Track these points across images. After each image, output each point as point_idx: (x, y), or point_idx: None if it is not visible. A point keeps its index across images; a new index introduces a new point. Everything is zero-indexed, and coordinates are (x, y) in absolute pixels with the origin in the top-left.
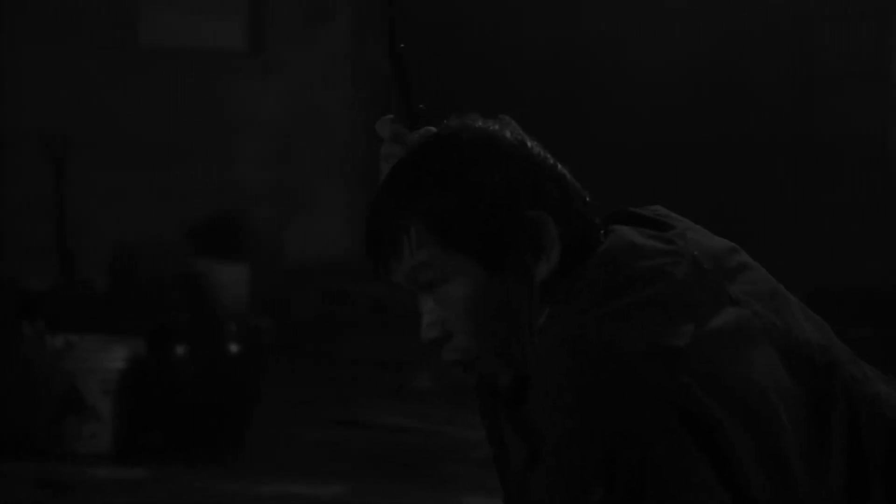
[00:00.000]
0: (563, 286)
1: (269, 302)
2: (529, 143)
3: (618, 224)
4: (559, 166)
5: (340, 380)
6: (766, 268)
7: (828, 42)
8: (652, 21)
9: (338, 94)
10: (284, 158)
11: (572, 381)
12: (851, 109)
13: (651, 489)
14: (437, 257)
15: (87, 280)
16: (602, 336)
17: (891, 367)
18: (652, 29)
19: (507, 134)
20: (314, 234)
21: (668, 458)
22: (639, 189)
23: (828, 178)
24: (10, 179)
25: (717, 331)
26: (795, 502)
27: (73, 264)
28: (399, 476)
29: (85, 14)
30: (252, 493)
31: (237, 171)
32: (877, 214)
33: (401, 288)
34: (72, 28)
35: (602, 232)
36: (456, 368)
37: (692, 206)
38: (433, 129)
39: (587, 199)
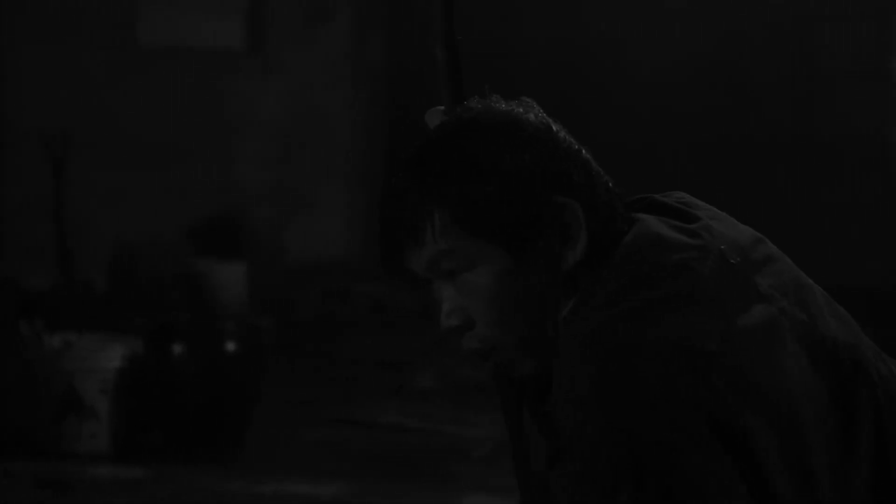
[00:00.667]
0: (588, 277)
1: (269, 301)
2: (555, 128)
3: (641, 212)
4: (584, 151)
5: (341, 379)
6: None
7: (828, 42)
8: (652, 21)
9: (338, 94)
10: (284, 158)
11: (599, 380)
12: (852, 109)
13: (678, 494)
14: (461, 244)
15: (86, 280)
16: (629, 334)
17: None
18: (652, 29)
19: (532, 117)
20: (314, 233)
21: (696, 462)
22: (638, 189)
23: (828, 178)
24: (10, 179)
25: (745, 330)
26: None
27: (72, 264)
28: (400, 475)
29: (84, 14)
30: (252, 493)
31: (237, 170)
32: (877, 214)
33: (413, 277)
34: (71, 27)
35: (627, 221)
36: (471, 360)
37: None
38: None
39: (611, 185)
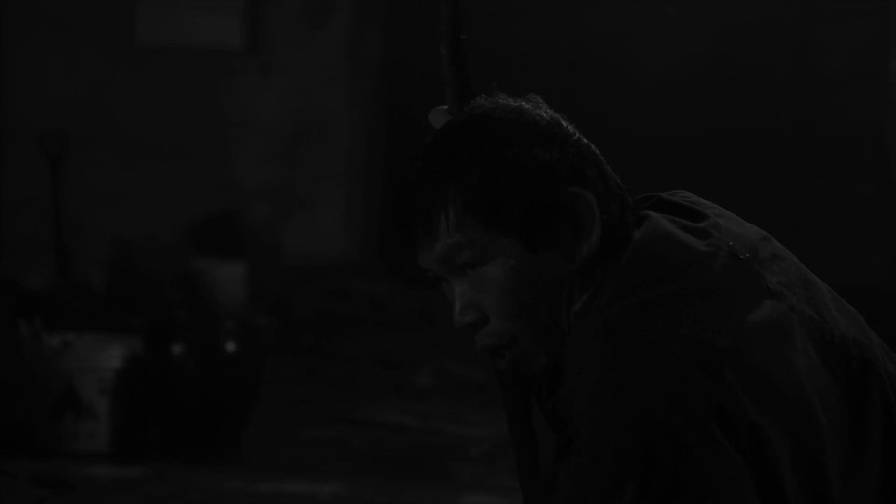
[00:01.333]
0: (600, 272)
1: (268, 300)
2: (564, 123)
3: (649, 210)
4: (593, 147)
5: (339, 378)
6: None
7: (827, 40)
8: (651, 19)
9: (337, 93)
10: (283, 157)
11: (609, 374)
12: (851, 108)
13: (686, 490)
14: (476, 238)
15: (84, 279)
16: (642, 329)
17: None
18: (651, 27)
19: (542, 113)
20: (313, 232)
21: (705, 459)
22: (638, 187)
23: (828, 178)
24: (8, 178)
25: (756, 326)
26: None
27: (69, 262)
28: (399, 474)
29: (82, 12)
30: (250, 491)
31: (236, 169)
32: (877, 214)
33: (421, 272)
34: (69, 26)
35: (636, 217)
36: (485, 357)
37: None
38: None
39: (619, 182)
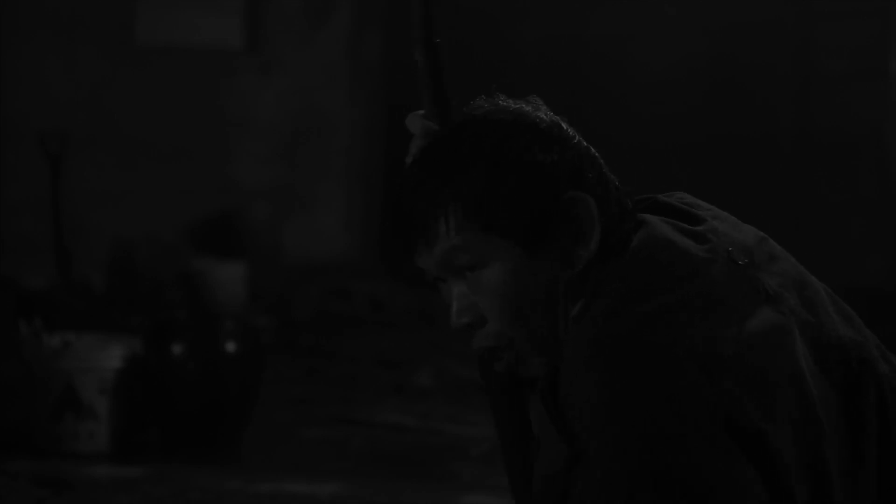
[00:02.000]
0: (596, 276)
1: (268, 300)
2: (564, 125)
3: (645, 213)
4: (592, 149)
5: (339, 378)
6: None
7: (827, 40)
8: (650, 19)
9: (336, 93)
10: (283, 156)
11: (612, 385)
12: (851, 108)
13: (697, 499)
14: (475, 240)
15: (84, 279)
16: (643, 340)
17: None
18: (650, 27)
19: (542, 115)
20: (313, 232)
21: (716, 467)
22: (638, 189)
23: (828, 178)
24: (8, 178)
25: (757, 333)
26: None
27: (69, 262)
28: (399, 474)
29: (82, 12)
30: (250, 491)
31: (236, 169)
32: (877, 214)
33: (419, 273)
34: (69, 26)
35: (633, 221)
36: (480, 358)
37: None
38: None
39: (618, 184)
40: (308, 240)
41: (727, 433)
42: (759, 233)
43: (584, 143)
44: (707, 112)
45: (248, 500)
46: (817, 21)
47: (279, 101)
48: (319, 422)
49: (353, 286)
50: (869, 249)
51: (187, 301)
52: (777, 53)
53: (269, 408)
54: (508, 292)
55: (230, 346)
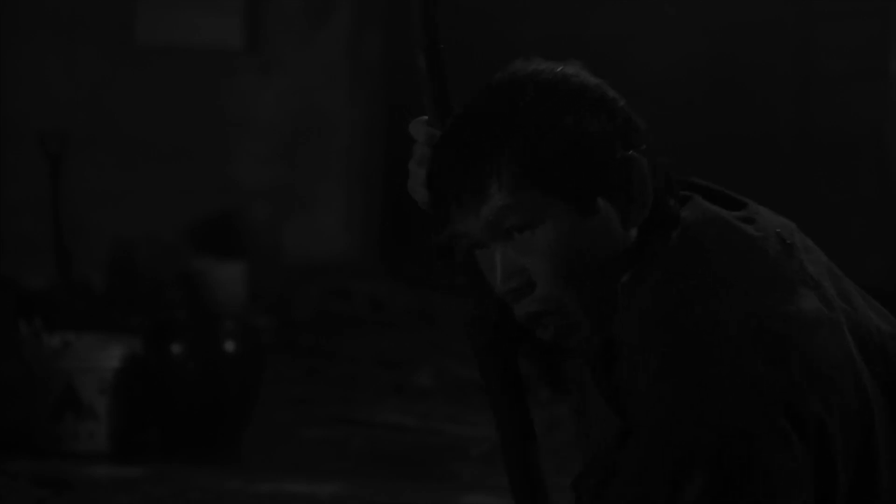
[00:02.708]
0: (651, 246)
1: (268, 300)
2: (609, 90)
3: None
4: (634, 115)
5: (339, 378)
6: None
7: (826, 40)
8: (649, 18)
9: (337, 93)
10: (283, 157)
11: (673, 363)
12: (851, 108)
13: (752, 486)
14: (529, 200)
15: (84, 279)
16: (702, 315)
17: None
18: (649, 26)
19: (589, 78)
20: (313, 232)
21: (774, 455)
22: None
23: (828, 178)
24: (8, 178)
25: (811, 316)
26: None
27: (69, 262)
28: (399, 474)
29: (82, 12)
30: (250, 492)
31: (235, 169)
32: (877, 214)
33: (455, 239)
34: (69, 26)
35: (677, 194)
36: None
37: None
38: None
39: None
40: (308, 240)
41: (787, 418)
42: (792, 222)
43: (628, 108)
44: (707, 112)
45: (247, 501)
46: (817, 21)
47: (279, 101)
48: (320, 422)
49: (353, 286)
50: (869, 249)
51: (187, 301)
52: (777, 53)
53: (270, 408)
54: (561, 253)
55: (230, 346)
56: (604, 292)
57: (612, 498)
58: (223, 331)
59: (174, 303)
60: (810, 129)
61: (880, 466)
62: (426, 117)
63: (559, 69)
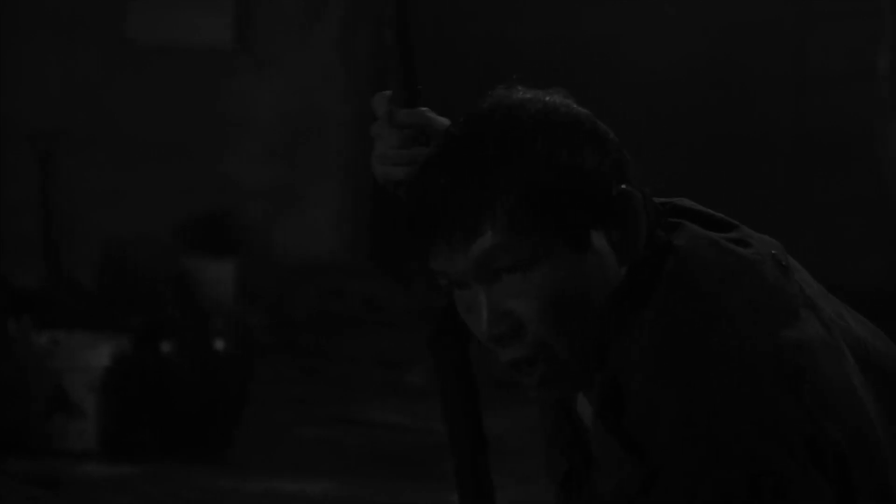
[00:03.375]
0: (644, 280)
1: (262, 299)
2: (596, 120)
3: (673, 217)
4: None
5: (338, 377)
6: None
7: (823, 40)
8: (645, 19)
9: (330, 91)
10: (277, 155)
11: (694, 401)
12: (847, 108)
13: None
14: (523, 239)
15: (75, 277)
16: (715, 348)
17: None
18: (646, 27)
19: (579, 109)
20: (307, 231)
21: (801, 492)
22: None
23: (827, 178)
24: (8, 177)
25: (817, 341)
26: None
27: (59, 261)
28: (393, 473)
29: (81, 12)
30: (243, 490)
31: (229, 167)
32: (876, 214)
33: (435, 277)
34: (68, 26)
35: (667, 223)
36: (512, 373)
37: None
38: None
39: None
40: (302, 239)
41: (809, 452)
42: (778, 242)
43: (616, 139)
44: (706, 112)
45: (239, 499)
46: (816, 21)
47: (273, 99)
48: (318, 421)
49: (350, 286)
50: (868, 249)
51: (179, 300)
52: (776, 54)
53: (268, 408)
54: (555, 295)
55: (220, 344)
56: (598, 333)
57: None
58: (215, 329)
59: (166, 301)
60: (809, 129)
61: (894, 488)
62: (390, 93)
63: (548, 99)
